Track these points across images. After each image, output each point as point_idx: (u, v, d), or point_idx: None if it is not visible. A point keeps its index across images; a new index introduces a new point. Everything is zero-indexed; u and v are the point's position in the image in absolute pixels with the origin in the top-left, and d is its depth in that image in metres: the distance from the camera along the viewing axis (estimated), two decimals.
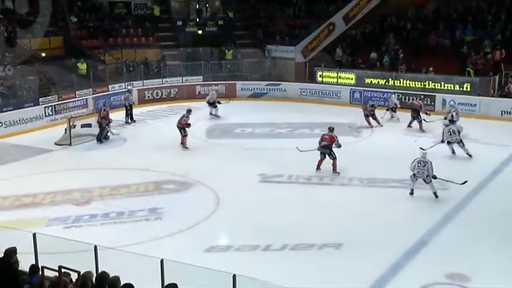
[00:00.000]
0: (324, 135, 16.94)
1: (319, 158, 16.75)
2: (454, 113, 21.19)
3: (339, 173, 16.58)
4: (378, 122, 22.28)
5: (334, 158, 16.64)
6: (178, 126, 19.51)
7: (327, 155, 16.66)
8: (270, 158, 18.41)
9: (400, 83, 25.87)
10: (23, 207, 14.52)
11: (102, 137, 20.27)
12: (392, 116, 23.31)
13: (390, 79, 26.05)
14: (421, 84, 25.36)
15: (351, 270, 11.10)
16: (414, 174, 14.74)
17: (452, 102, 22.91)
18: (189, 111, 19.82)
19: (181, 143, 19.40)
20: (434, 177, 14.61)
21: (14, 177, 16.66)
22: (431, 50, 27.01)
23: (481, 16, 27.94)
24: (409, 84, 25.66)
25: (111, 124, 20.68)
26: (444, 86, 24.95)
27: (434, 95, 24.69)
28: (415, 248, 12.14)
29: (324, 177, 16.50)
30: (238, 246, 12.34)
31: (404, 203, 14.75)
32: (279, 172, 16.88)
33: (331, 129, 17.08)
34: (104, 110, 20.72)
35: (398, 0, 30.20)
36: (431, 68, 25.53)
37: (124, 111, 23.56)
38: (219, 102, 24.34)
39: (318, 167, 16.74)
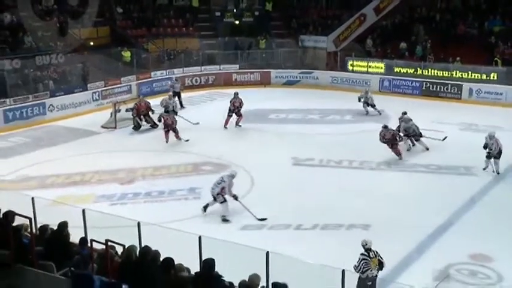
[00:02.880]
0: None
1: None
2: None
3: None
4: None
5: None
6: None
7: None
8: (302, 142, 18.35)
9: (428, 72, 25.41)
10: (73, 184, 14.82)
11: (134, 126, 20.04)
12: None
13: (419, 68, 25.64)
14: (448, 74, 24.89)
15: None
16: None
17: (493, 133, 15.57)
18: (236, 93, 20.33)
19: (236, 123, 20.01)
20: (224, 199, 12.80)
21: (64, 157, 17.01)
22: (459, 40, 26.43)
23: (510, 7, 27.15)
24: (437, 73, 25.19)
25: (146, 116, 20.18)
26: (471, 76, 24.45)
27: (462, 84, 24.23)
28: (440, 230, 12.02)
29: (353, 161, 16.40)
30: (271, 225, 12.40)
31: (431, 187, 14.56)
32: (311, 156, 16.83)
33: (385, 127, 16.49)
34: (136, 103, 20.30)
35: None
36: (458, 58, 25.02)
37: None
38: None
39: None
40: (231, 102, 20.05)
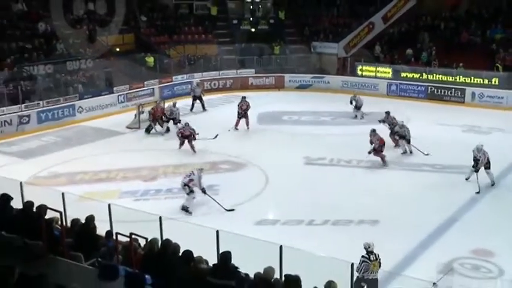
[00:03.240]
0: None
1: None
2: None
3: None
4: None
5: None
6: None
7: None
8: (314, 142, 18.29)
9: (433, 77, 25.21)
10: (100, 181, 14.91)
11: (148, 128, 19.84)
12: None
13: (424, 73, 25.45)
14: (452, 78, 24.68)
15: (385, 244, 10.92)
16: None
17: (480, 146, 14.28)
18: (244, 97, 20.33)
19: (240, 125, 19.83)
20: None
21: (92, 155, 17.11)
22: (462, 47, 26.19)
23: (511, 16, 26.82)
24: (441, 78, 24.99)
25: (160, 120, 19.93)
26: (474, 80, 24.23)
27: (465, 88, 24.01)
28: (444, 226, 11.92)
29: (362, 161, 16.29)
30: (285, 220, 12.36)
31: (436, 185, 14.42)
32: (322, 155, 16.76)
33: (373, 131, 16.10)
34: (153, 108, 20.17)
35: (433, 2, 29.34)
36: (461, 64, 24.79)
37: (191, 100, 23.43)
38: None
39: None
40: (238, 105, 20.11)
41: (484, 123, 20.16)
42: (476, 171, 13.87)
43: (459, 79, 24.50)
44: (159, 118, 19.92)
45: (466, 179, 14.31)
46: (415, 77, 25.66)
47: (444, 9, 29.03)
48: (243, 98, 20.41)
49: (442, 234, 11.55)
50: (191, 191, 12.87)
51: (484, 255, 10.58)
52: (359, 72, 27.24)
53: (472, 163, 14.04)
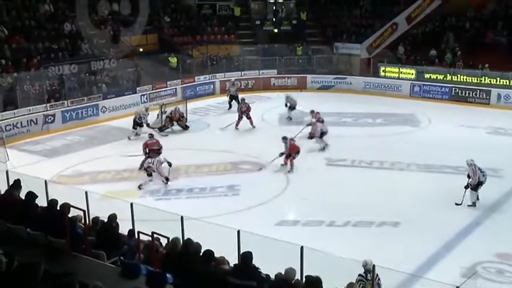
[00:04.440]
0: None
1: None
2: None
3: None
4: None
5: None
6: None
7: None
8: (336, 143, 18.16)
9: (457, 78, 24.85)
10: (122, 180, 15.05)
11: (160, 128, 19.89)
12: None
13: (448, 74, 25.11)
14: (477, 80, 24.31)
15: (407, 245, 10.87)
16: None
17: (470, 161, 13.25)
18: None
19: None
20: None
21: (114, 154, 17.27)
22: (488, 48, 25.76)
23: None
24: (466, 79, 24.62)
25: (178, 121, 20.20)
26: (499, 82, 23.84)
27: (490, 90, 23.64)
28: (468, 229, 11.76)
29: (384, 162, 16.18)
30: (305, 221, 12.33)
31: (459, 188, 14.21)
32: (343, 157, 16.68)
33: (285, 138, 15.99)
34: (172, 112, 20.27)
35: (458, 2, 28.93)
36: (487, 65, 24.41)
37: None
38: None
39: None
40: (238, 108, 20.64)
41: (509, 125, 19.83)
42: (466, 187, 12.93)
43: (484, 80, 24.13)
44: (177, 120, 20.23)
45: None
46: (438, 78, 25.33)
47: (469, 9, 28.62)
48: (243, 100, 20.82)
49: (466, 237, 11.40)
50: (150, 175, 14.32)
51: (509, 260, 10.41)
52: (382, 73, 27.00)
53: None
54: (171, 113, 20.33)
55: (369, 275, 8.03)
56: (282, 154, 15.75)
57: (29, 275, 5.12)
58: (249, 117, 20.23)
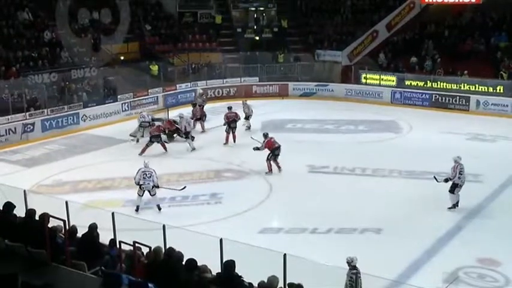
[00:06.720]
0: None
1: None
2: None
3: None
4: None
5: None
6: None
7: None
8: (318, 150, 18.27)
9: (437, 85, 25.16)
10: (104, 189, 14.92)
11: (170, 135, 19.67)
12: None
13: (428, 81, 25.43)
14: (456, 86, 24.63)
15: (389, 252, 10.94)
16: (140, 186, 13.13)
17: (457, 158, 13.31)
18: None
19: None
20: (157, 187, 13.27)
21: (96, 163, 17.15)
22: (467, 55, 26.15)
23: None
24: (446, 86, 24.94)
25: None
26: (478, 88, 24.18)
27: (469, 96, 23.97)
28: (449, 234, 11.87)
29: (366, 168, 16.27)
30: (288, 228, 12.34)
31: (441, 193, 14.33)
32: (326, 164, 16.74)
33: (265, 135, 16.31)
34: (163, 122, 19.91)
35: (437, 10, 29.35)
36: (466, 72, 24.78)
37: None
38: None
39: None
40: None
41: (489, 131, 20.12)
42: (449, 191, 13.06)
43: (464, 87, 24.44)
44: (173, 131, 19.65)
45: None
46: (419, 85, 25.61)
47: (448, 17, 29.05)
48: (229, 107, 20.01)
49: (447, 243, 11.50)
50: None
51: (490, 264, 10.52)
52: (363, 80, 27.23)
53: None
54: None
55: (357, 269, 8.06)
56: (257, 149, 16.00)
57: (6, 287, 5.04)
58: (232, 127, 19.32)
